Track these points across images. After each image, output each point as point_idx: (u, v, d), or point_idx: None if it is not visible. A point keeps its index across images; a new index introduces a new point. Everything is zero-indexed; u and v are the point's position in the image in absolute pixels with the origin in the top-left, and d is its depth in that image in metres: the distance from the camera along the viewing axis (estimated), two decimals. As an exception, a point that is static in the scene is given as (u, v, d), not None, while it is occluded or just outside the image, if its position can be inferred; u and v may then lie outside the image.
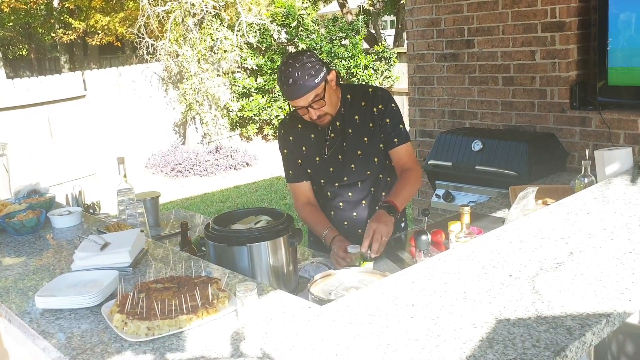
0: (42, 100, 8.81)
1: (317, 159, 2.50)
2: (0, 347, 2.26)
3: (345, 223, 2.53)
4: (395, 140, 2.46)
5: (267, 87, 10.71)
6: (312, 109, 2.29)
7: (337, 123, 2.46)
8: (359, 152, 2.46)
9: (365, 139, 2.46)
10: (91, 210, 2.86)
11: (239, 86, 10.69)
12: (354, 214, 2.53)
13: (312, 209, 2.54)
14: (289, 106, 2.40)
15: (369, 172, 2.48)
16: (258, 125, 10.95)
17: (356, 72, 10.59)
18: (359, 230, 2.51)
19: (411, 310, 1.44)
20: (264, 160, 9.99)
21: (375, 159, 2.48)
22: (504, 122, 4.08)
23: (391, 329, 1.36)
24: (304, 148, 2.53)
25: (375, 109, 2.45)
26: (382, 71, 10.96)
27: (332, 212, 2.54)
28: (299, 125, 2.54)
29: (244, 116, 10.74)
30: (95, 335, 1.48)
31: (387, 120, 2.45)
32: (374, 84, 10.76)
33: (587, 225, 1.92)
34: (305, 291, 2.06)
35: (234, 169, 9.86)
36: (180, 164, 9.73)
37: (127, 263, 1.87)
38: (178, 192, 8.65)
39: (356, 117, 2.46)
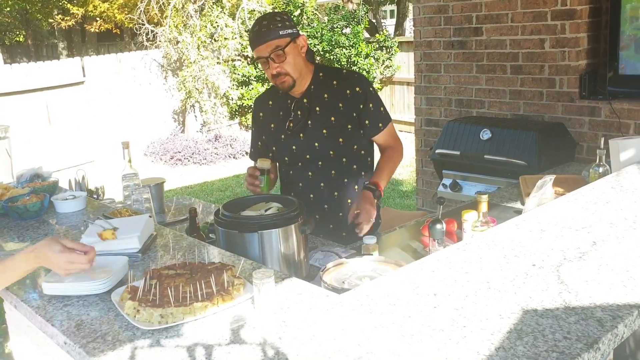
0: (40, 86, 8.72)
1: (283, 136, 2.48)
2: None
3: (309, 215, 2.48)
4: (380, 125, 2.46)
5: (266, 76, 10.61)
6: (272, 62, 2.29)
7: (305, 100, 2.44)
8: (324, 131, 2.43)
9: (333, 118, 2.41)
10: (95, 196, 2.80)
11: (238, 74, 10.60)
12: (311, 195, 2.50)
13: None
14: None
15: (331, 152, 2.44)
16: (258, 113, 10.87)
17: (357, 61, 10.50)
18: (317, 216, 2.48)
19: (433, 300, 1.39)
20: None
21: (340, 140, 2.43)
22: (512, 111, 4.02)
23: (414, 319, 1.31)
24: (272, 125, 2.53)
25: (349, 91, 2.41)
26: (383, 60, 10.88)
27: (292, 194, 2.52)
28: (270, 102, 2.55)
29: (244, 104, 10.66)
30: (105, 322, 1.43)
31: (371, 105, 2.42)
32: (374, 73, 10.69)
33: (607, 214, 1.88)
34: (317, 279, 2.02)
35: (234, 157, 9.80)
36: (180, 152, 9.67)
37: (136, 249, 1.82)
38: (177, 181, 8.58)
39: (325, 95, 2.43)
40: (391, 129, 2.52)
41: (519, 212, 2.60)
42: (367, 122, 2.43)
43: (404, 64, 10.82)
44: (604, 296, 1.36)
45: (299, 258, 2.06)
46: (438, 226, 2.05)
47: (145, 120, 10.07)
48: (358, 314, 1.36)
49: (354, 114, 2.42)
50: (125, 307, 1.42)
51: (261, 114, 2.58)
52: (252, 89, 10.58)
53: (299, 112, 2.44)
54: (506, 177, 3.50)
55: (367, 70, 10.57)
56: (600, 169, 2.49)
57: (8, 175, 2.82)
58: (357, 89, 2.41)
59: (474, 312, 1.32)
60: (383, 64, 10.90)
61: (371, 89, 2.45)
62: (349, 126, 2.43)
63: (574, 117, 3.73)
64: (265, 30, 2.27)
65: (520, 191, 2.87)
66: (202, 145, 9.86)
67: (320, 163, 2.45)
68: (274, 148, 2.54)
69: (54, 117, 8.96)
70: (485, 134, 3.66)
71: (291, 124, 2.45)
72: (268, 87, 2.58)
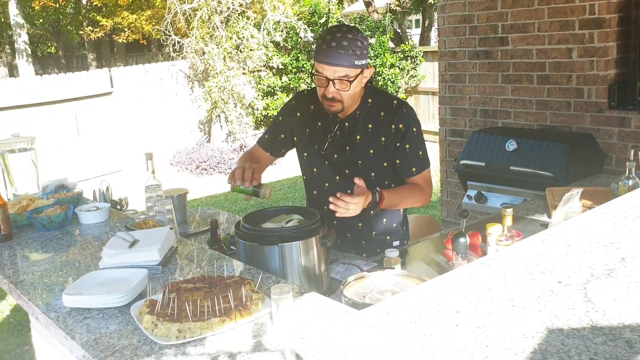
0: (69, 97, 8.88)
1: (316, 147, 2.37)
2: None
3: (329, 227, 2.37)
4: (414, 169, 2.33)
5: (291, 86, 10.67)
6: (332, 85, 2.14)
7: (347, 124, 2.31)
8: (360, 162, 2.32)
9: (372, 151, 2.31)
10: (118, 207, 2.82)
11: (263, 85, 10.66)
12: (335, 221, 2.35)
13: (249, 155, 2.53)
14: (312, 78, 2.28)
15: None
16: (282, 123, 10.92)
17: (382, 71, 10.49)
18: (338, 241, 2.39)
19: (455, 318, 1.35)
20: (288, 159, 9.94)
21: (373, 174, 2.32)
22: (539, 121, 3.96)
23: (435, 337, 1.28)
24: (307, 130, 2.40)
25: (394, 126, 2.27)
26: (408, 70, 10.85)
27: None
28: (312, 107, 2.39)
29: (268, 115, 10.72)
30: (124, 336, 1.43)
31: (407, 146, 2.30)
32: (399, 83, 10.65)
33: (637, 229, 1.82)
34: (337, 293, 1.99)
35: (258, 167, 9.83)
36: (205, 162, 9.74)
37: (156, 261, 1.82)
38: (202, 190, 8.64)
39: (370, 126, 2.30)
40: (426, 174, 2.36)
41: (545, 225, 2.55)
42: (398, 161, 2.31)
43: (429, 74, 10.77)
44: (633, 316, 1.31)
45: (320, 271, 2.04)
46: (461, 240, 2.01)
47: (172, 130, 10.18)
48: (378, 331, 1.33)
49: (393, 151, 2.32)
50: (143, 321, 1.41)
51: (299, 114, 2.42)
52: (277, 99, 10.64)
53: (338, 132, 2.33)
54: (532, 189, 3.44)
55: (392, 80, 10.55)
56: (630, 182, 2.44)
57: (34, 186, 2.86)
58: (400, 125, 2.27)
59: (497, 331, 1.29)
60: (408, 73, 10.86)
61: (415, 129, 2.30)
62: (385, 164, 2.33)
63: (602, 128, 3.66)
64: (343, 53, 2.09)
65: (546, 204, 2.81)
66: (228, 155, 9.93)
67: (349, 192, 2.32)
68: (305, 154, 2.44)
69: (82, 127, 9.11)
70: (511, 145, 3.61)
71: (329, 141, 2.33)
72: (311, 89, 2.41)
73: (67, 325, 1.52)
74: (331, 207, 2.05)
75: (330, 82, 2.14)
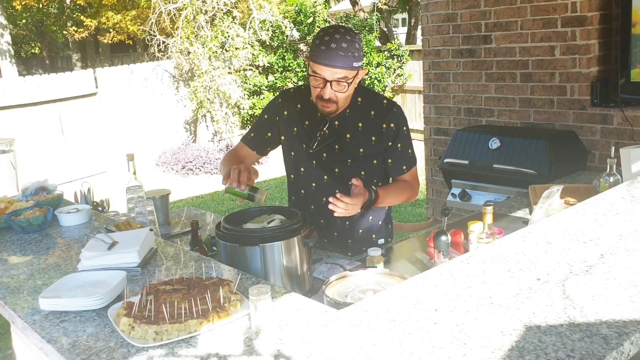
0: (53, 98, 8.79)
1: (304, 146, 2.35)
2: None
3: (311, 226, 2.35)
4: (404, 167, 2.37)
5: (277, 85, 10.65)
6: (330, 86, 2.13)
7: (336, 122, 2.30)
8: (349, 160, 2.32)
9: (362, 150, 2.31)
10: (100, 208, 2.79)
11: (249, 84, 10.63)
12: (322, 220, 2.37)
13: (234, 155, 2.45)
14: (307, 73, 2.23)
15: (350, 184, 2.29)
16: (269, 123, 10.88)
17: (368, 70, 10.49)
18: (325, 240, 2.40)
19: (434, 316, 1.35)
20: (274, 159, 9.92)
21: (363, 172, 2.32)
22: (522, 119, 3.98)
23: (414, 335, 1.28)
24: (295, 129, 2.38)
25: (384, 125, 2.29)
26: (395, 69, 10.86)
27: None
28: (299, 105, 2.38)
29: (255, 114, 10.68)
30: (101, 339, 1.41)
31: (399, 145, 2.33)
32: (386, 82, 10.66)
33: (616, 226, 1.83)
34: (320, 293, 1.98)
35: (245, 167, 9.79)
36: (191, 162, 9.69)
37: (135, 263, 1.80)
38: (189, 190, 8.60)
39: (360, 125, 2.30)
40: (414, 171, 2.42)
41: (527, 222, 2.56)
42: (390, 160, 2.34)
43: (415, 73, 10.79)
44: (610, 312, 1.32)
45: (302, 271, 2.03)
46: (443, 238, 2.01)
47: (157, 131, 10.11)
48: (357, 330, 1.33)
49: (383, 150, 2.32)
50: (120, 324, 1.40)
51: (286, 112, 2.40)
52: (264, 98, 10.61)
53: (326, 131, 2.31)
54: (516, 187, 3.46)
55: (378, 79, 10.55)
56: (611, 179, 2.45)
57: (13, 189, 2.82)
58: (392, 125, 2.29)
59: (475, 329, 1.29)
60: (394, 72, 10.87)
61: (405, 128, 2.34)
62: (375, 161, 2.34)
63: (585, 125, 3.68)
64: (343, 55, 2.08)
65: (529, 201, 2.82)
66: (214, 155, 9.88)
67: (337, 192, 2.28)
68: (292, 153, 2.42)
69: (66, 128, 9.02)
70: (494, 143, 3.62)
71: (318, 140, 2.31)
72: (296, 87, 2.41)
73: (43, 328, 1.50)
74: (330, 207, 2.05)
75: (328, 84, 2.13)
